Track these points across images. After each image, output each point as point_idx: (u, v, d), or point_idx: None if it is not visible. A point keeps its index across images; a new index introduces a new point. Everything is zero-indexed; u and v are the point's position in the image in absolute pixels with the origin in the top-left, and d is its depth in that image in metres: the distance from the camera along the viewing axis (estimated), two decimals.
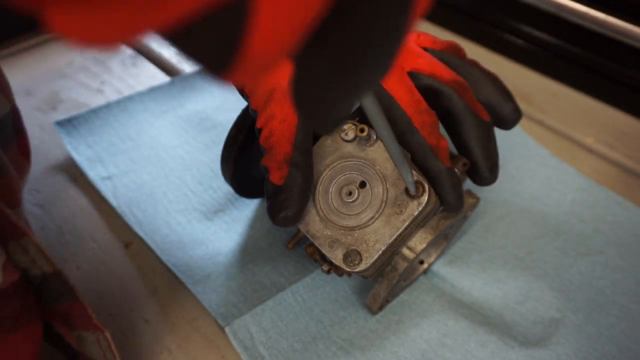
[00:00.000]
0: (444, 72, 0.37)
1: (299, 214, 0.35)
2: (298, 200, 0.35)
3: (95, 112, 0.55)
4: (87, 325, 0.35)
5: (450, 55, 0.39)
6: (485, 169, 0.38)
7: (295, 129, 0.35)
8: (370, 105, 0.25)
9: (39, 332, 0.34)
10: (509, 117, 0.39)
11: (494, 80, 0.39)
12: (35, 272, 0.34)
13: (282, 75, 0.35)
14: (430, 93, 0.37)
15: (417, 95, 0.36)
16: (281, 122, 0.35)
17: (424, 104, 0.36)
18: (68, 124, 0.54)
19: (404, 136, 0.36)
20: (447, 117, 0.38)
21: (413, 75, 0.37)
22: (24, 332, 0.33)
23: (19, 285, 0.32)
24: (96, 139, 0.53)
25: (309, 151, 0.36)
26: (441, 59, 0.38)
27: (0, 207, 0.32)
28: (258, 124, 0.36)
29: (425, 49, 0.39)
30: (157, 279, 0.44)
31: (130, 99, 0.57)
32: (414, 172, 0.35)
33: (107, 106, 0.56)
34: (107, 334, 0.35)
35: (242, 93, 0.37)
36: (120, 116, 0.55)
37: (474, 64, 0.39)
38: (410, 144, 0.36)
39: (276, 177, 0.35)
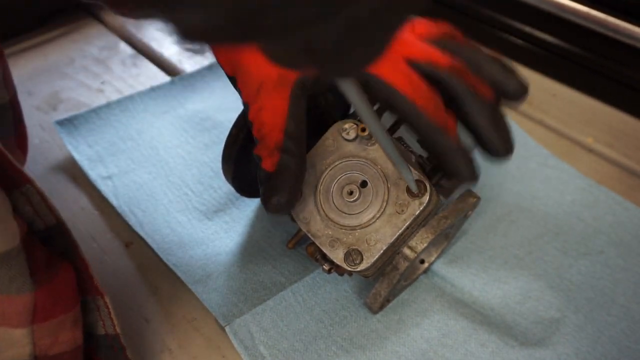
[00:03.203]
0: (439, 58, 0.36)
1: (292, 201, 0.35)
2: (290, 186, 0.35)
3: (95, 111, 0.55)
4: (88, 288, 0.35)
5: (447, 41, 0.38)
6: (496, 142, 0.36)
7: (285, 118, 0.35)
8: (361, 106, 0.25)
9: (72, 270, 0.34)
10: (515, 92, 0.38)
11: (495, 59, 0.38)
12: (39, 226, 0.33)
13: (271, 67, 0.35)
14: (429, 81, 0.36)
15: (416, 78, 0.35)
16: (271, 112, 0.35)
17: (424, 86, 0.35)
18: (68, 124, 0.54)
19: (409, 121, 0.35)
20: (451, 102, 0.37)
21: (409, 64, 0.36)
22: (63, 271, 0.33)
23: (31, 236, 0.32)
24: (97, 138, 0.53)
25: (300, 138, 0.35)
26: (438, 46, 0.38)
27: (3, 151, 0.32)
28: (250, 117, 0.36)
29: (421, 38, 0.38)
30: (158, 278, 0.44)
31: (130, 98, 0.57)
32: (415, 171, 0.35)
33: (108, 106, 0.56)
34: (107, 299, 0.35)
35: (236, 87, 0.37)
36: (121, 116, 0.55)
37: (473, 46, 0.39)
38: (419, 127, 0.35)
39: (268, 164, 0.35)
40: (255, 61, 0.36)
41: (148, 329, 0.41)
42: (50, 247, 0.34)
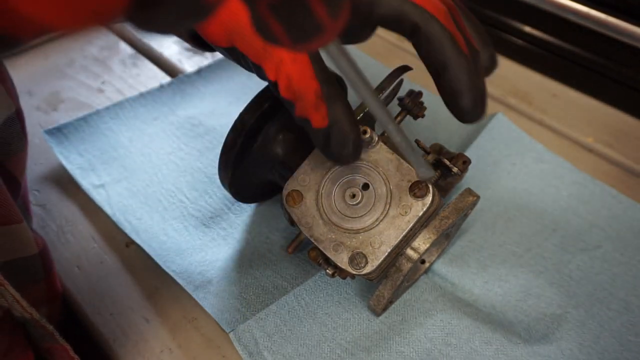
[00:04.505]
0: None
1: (360, 146, 0.34)
2: (351, 130, 0.33)
3: (85, 119, 0.54)
4: None
5: None
6: (469, 101, 0.32)
7: (311, 64, 0.33)
8: (355, 78, 0.23)
9: None
10: (486, 64, 0.35)
11: (478, 26, 0.35)
12: (16, 314, 0.34)
13: None
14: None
15: None
16: (293, 63, 0.33)
17: None
18: (58, 133, 0.53)
19: (419, 30, 0.31)
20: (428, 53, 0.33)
21: None
22: None
23: (4, 322, 0.32)
24: (87, 147, 0.52)
25: (333, 80, 0.33)
26: None
27: None
28: (270, 77, 0.33)
29: None
30: (157, 278, 0.44)
31: (120, 105, 0.56)
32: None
33: (97, 113, 0.55)
34: None
35: (239, 58, 0.35)
36: (111, 123, 0.55)
37: (462, 7, 0.35)
38: (430, 35, 0.31)
39: (318, 119, 0.33)
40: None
41: (148, 329, 0.41)
42: (30, 329, 0.34)
